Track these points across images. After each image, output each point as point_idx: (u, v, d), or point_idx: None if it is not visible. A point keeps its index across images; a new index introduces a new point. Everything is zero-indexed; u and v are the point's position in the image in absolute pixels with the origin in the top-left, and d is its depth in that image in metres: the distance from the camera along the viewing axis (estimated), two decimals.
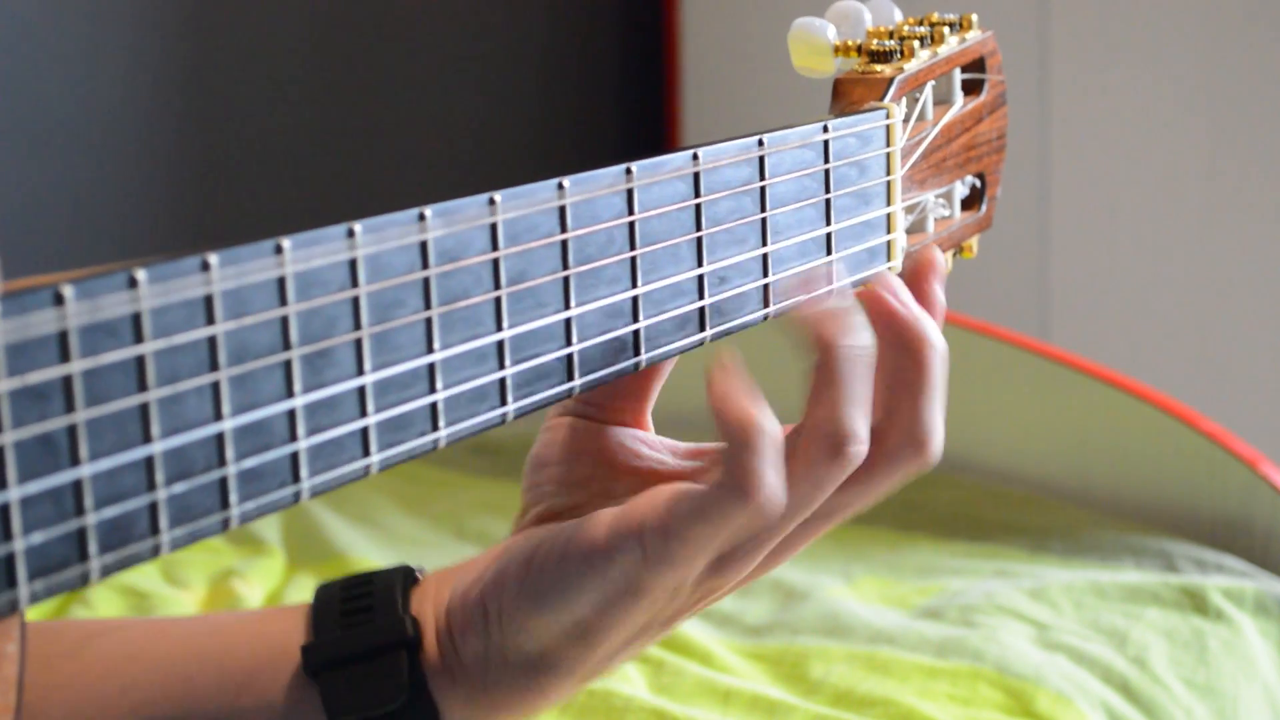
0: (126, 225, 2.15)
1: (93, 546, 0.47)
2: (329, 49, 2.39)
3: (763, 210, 0.67)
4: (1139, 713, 1.26)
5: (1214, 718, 1.29)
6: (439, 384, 0.56)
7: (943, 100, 0.79)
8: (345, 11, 2.41)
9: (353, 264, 0.53)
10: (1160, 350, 2.39)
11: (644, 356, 0.63)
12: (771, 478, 0.59)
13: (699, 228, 0.64)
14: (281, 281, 0.51)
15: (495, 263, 0.57)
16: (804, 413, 0.62)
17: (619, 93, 2.78)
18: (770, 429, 0.59)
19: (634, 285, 0.62)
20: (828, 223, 0.70)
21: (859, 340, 0.62)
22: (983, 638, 1.32)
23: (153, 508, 0.48)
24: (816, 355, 0.62)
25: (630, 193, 0.62)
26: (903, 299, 0.64)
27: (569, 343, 0.60)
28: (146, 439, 0.48)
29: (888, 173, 0.73)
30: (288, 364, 0.51)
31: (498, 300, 0.58)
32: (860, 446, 0.62)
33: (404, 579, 0.69)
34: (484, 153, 2.57)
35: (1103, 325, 2.44)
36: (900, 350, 0.64)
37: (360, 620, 0.68)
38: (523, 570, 0.64)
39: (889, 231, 0.74)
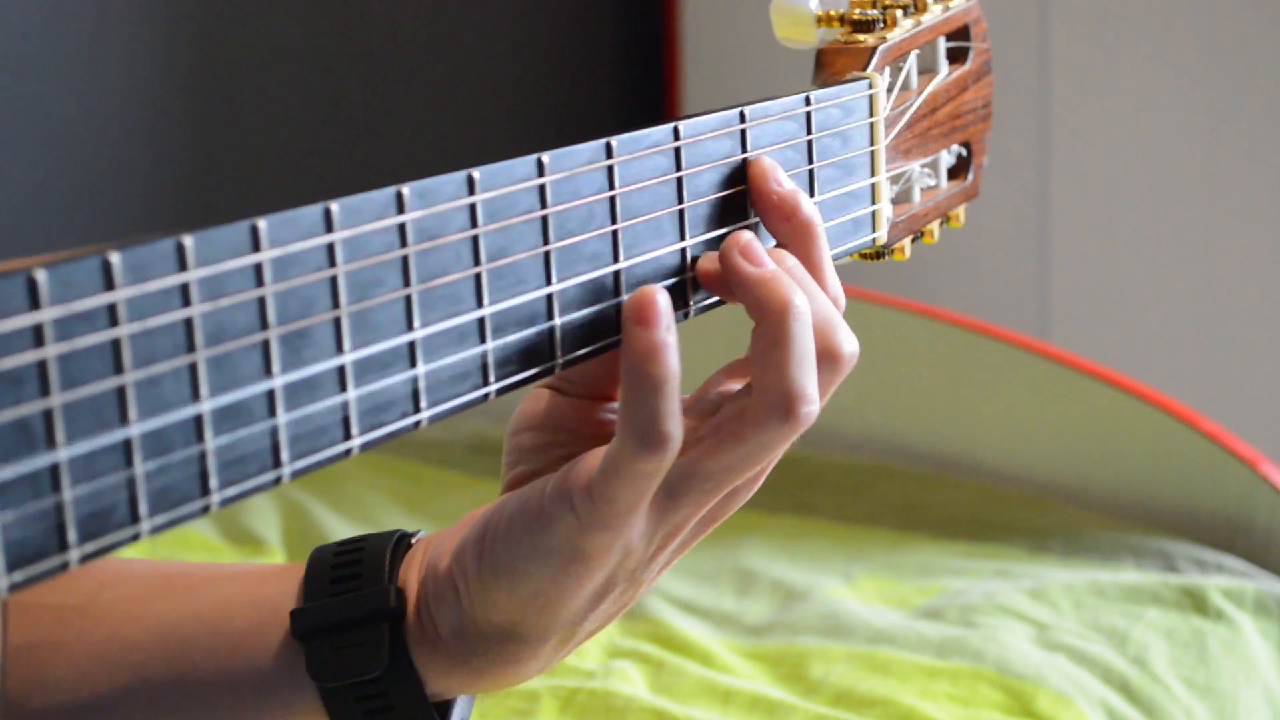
0: (128, 223, 2.15)
1: (72, 533, 0.47)
2: (329, 39, 2.39)
3: (746, 182, 0.67)
4: (1139, 713, 1.26)
5: (1214, 718, 1.29)
6: (420, 363, 0.56)
7: (927, 69, 0.79)
8: (345, 2, 2.41)
9: (330, 243, 0.53)
10: (1160, 350, 2.39)
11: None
12: (670, 427, 0.59)
13: (681, 201, 0.64)
14: (258, 262, 0.51)
15: (475, 240, 0.57)
16: (752, 374, 0.62)
17: (618, 74, 2.78)
18: (662, 372, 0.59)
19: (615, 260, 0.62)
20: (811, 194, 0.70)
21: (802, 301, 0.62)
22: (983, 638, 1.32)
23: (132, 492, 0.48)
24: (761, 317, 0.62)
25: (611, 168, 0.61)
26: (754, 259, 0.63)
27: (550, 319, 0.60)
28: (124, 422, 0.48)
29: (871, 143, 0.73)
30: (266, 344, 0.51)
31: (478, 277, 0.57)
32: (812, 407, 0.62)
33: (396, 545, 0.70)
34: (486, 138, 2.57)
35: (1103, 325, 2.44)
36: (759, 312, 0.63)
37: (348, 588, 0.68)
38: (478, 543, 0.65)
39: (874, 202, 0.74)
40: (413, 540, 0.70)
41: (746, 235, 0.63)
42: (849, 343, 0.66)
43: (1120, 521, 1.62)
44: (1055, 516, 1.63)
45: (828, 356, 0.64)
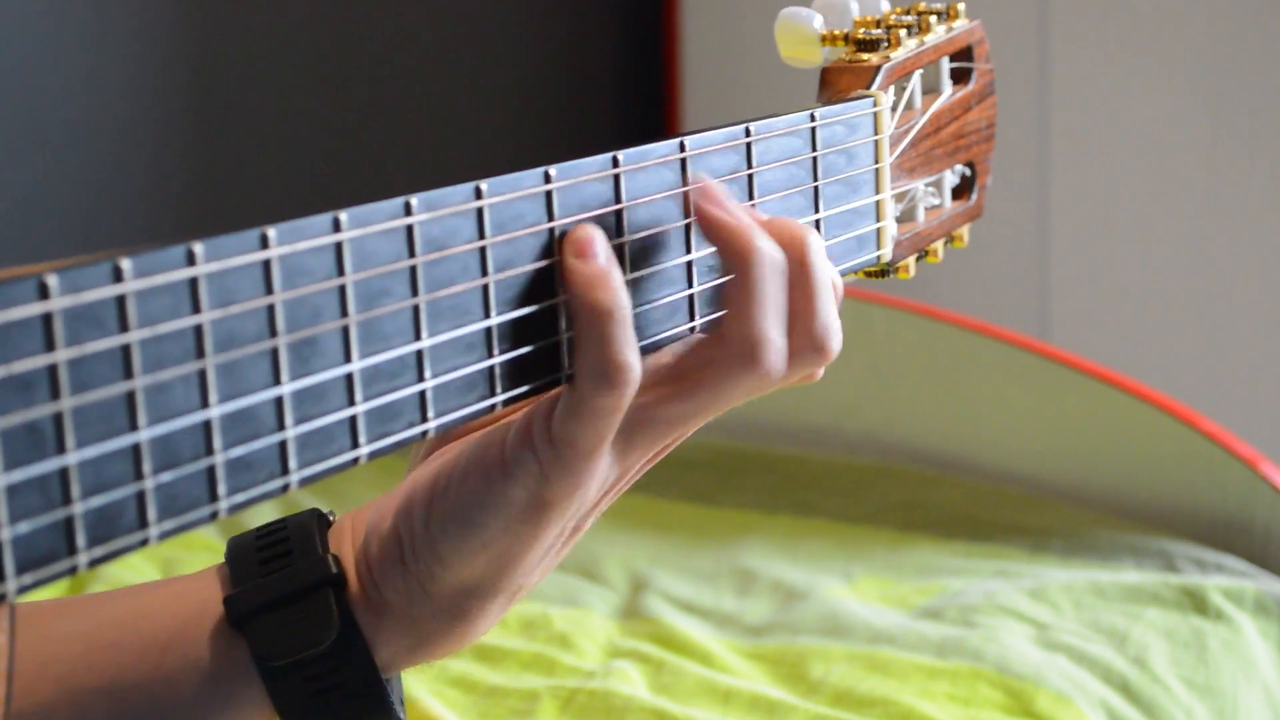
0: (128, 225, 2.15)
1: (80, 537, 0.47)
2: (329, 44, 2.39)
3: (750, 198, 0.67)
4: (1139, 713, 1.26)
5: (1214, 718, 1.29)
6: (427, 373, 0.56)
7: (931, 89, 0.79)
8: (346, 7, 2.41)
9: (339, 252, 0.53)
10: (1160, 350, 2.39)
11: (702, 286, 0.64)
12: (626, 356, 0.59)
13: (687, 215, 0.64)
14: (267, 270, 0.51)
15: (482, 251, 0.57)
16: (721, 319, 0.63)
17: (619, 85, 2.78)
18: (610, 300, 0.59)
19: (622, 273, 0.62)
20: (816, 210, 0.70)
21: (773, 249, 0.62)
22: (983, 638, 1.32)
23: (140, 498, 0.48)
24: (732, 262, 0.62)
25: (617, 181, 0.61)
26: (727, 206, 0.63)
27: (558, 331, 0.60)
28: (133, 427, 0.48)
29: (876, 160, 0.73)
30: (274, 352, 0.51)
31: (485, 288, 0.57)
32: (777, 355, 0.62)
33: (319, 521, 0.69)
34: (487, 145, 2.57)
35: (1103, 325, 2.44)
36: (728, 257, 0.63)
37: (280, 565, 0.67)
38: (428, 496, 0.64)
39: (878, 219, 0.74)
40: (331, 518, 0.69)
41: (707, 181, 0.63)
42: (837, 342, 0.65)
43: (1120, 521, 1.62)
44: (1055, 516, 1.63)
45: (821, 350, 0.65)
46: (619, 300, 0.59)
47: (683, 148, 0.64)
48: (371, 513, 0.67)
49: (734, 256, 0.62)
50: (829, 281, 0.64)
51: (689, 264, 0.65)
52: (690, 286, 0.65)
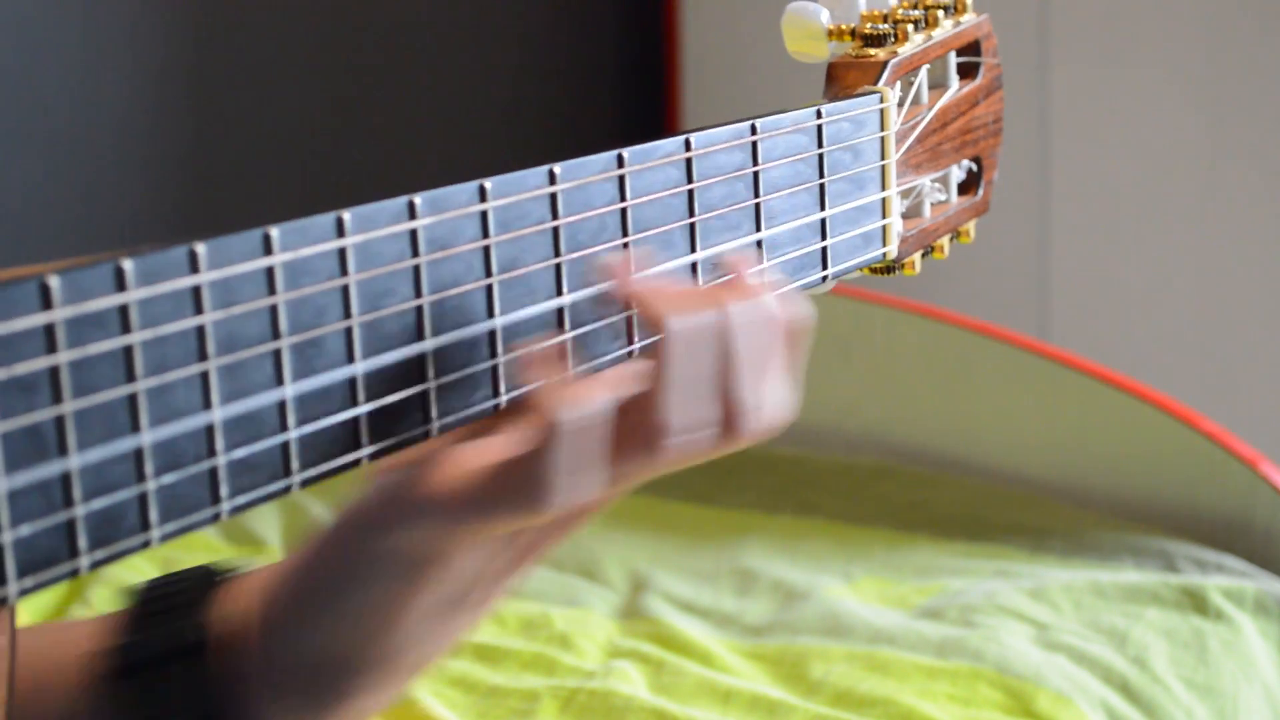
0: (130, 224, 2.15)
1: (82, 540, 0.47)
2: (330, 42, 2.39)
3: (756, 196, 0.67)
4: (1139, 713, 1.26)
5: (1214, 718, 1.29)
6: (430, 374, 0.56)
7: (938, 84, 0.79)
8: (345, 7, 2.41)
9: (342, 253, 0.53)
10: (1160, 350, 2.39)
11: (637, 344, 0.63)
12: (568, 483, 0.54)
13: (692, 214, 0.64)
14: (270, 271, 0.51)
15: (486, 250, 0.57)
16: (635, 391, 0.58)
17: (619, 81, 2.78)
18: (577, 425, 0.54)
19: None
20: (822, 208, 0.70)
21: (693, 325, 0.57)
22: (983, 638, 1.32)
23: (142, 500, 0.48)
24: (645, 328, 0.58)
25: (622, 179, 0.61)
26: (622, 278, 0.58)
27: (562, 330, 0.60)
28: (135, 430, 0.48)
29: (882, 157, 0.73)
30: (277, 353, 0.51)
31: (489, 288, 0.57)
32: (678, 439, 0.57)
33: (218, 576, 0.65)
34: (487, 143, 2.57)
35: (1103, 325, 2.44)
36: (645, 326, 0.58)
37: (157, 623, 0.63)
38: (303, 557, 0.61)
39: (884, 216, 0.74)
40: (237, 572, 0.66)
41: (636, 250, 0.58)
42: (771, 415, 0.59)
43: (1120, 521, 1.62)
44: (1055, 516, 1.63)
45: (738, 428, 0.59)
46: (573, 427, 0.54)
47: (688, 145, 0.63)
48: (273, 570, 0.64)
49: (644, 325, 0.57)
50: (755, 350, 0.58)
51: (693, 264, 0.65)
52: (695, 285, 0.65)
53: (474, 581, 0.61)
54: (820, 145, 0.70)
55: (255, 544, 1.57)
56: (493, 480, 0.55)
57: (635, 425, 0.57)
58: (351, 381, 0.53)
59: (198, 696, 0.61)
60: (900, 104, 0.74)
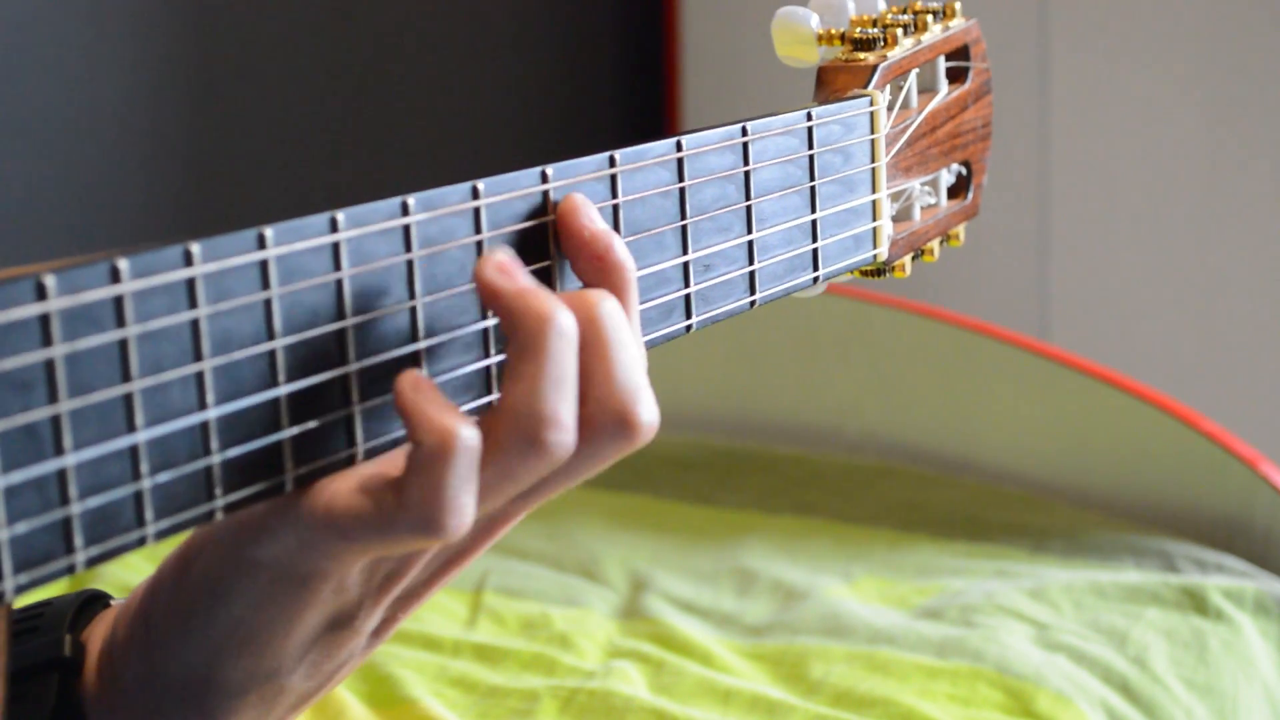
0: (126, 225, 2.15)
1: (78, 538, 0.47)
2: (330, 42, 2.39)
3: (747, 198, 0.67)
4: (1139, 713, 1.26)
5: (1214, 718, 1.29)
6: (424, 373, 0.56)
7: (927, 88, 0.80)
8: (345, 7, 2.41)
9: (335, 253, 0.53)
10: (1160, 350, 2.39)
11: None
12: (464, 503, 0.52)
13: (683, 215, 0.64)
14: (264, 270, 0.51)
15: (479, 249, 0.57)
16: (500, 395, 0.56)
17: (619, 81, 2.78)
18: (468, 445, 0.52)
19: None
20: (812, 210, 0.70)
21: (568, 319, 0.55)
22: (983, 638, 1.32)
23: (138, 498, 0.48)
24: (515, 330, 0.55)
25: (614, 180, 0.61)
26: (509, 273, 0.56)
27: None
28: (131, 428, 0.48)
29: (872, 160, 0.74)
30: (272, 354, 0.51)
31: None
32: (564, 436, 0.54)
33: (88, 602, 0.64)
34: (485, 144, 2.57)
35: (1103, 325, 2.44)
36: (510, 326, 0.55)
37: (20, 641, 0.62)
38: (178, 566, 0.59)
39: (874, 219, 0.74)
40: (110, 602, 0.65)
41: (501, 253, 0.56)
42: (649, 411, 0.57)
43: (1120, 521, 1.62)
44: (1055, 516, 1.63)
45: (623, 423, 0.56)
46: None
47: (680, 147, 0.64)
48: (149, 582, 0.62)
49: (521, 323, 0.55)
50: (629, 342, 0.57)
51: (685, 265, 0.65)
52: (686, 286, 0.65)
53: (357, 607, 0.59)
54: (811, 147, 0.70)
55: None
56: (384, 499, 0.53)
57: (515, 423, 0.54)
58: (344, 380, 0.54)
59: (58, 715, 0.60)
60: (890, 108, 0.74)
